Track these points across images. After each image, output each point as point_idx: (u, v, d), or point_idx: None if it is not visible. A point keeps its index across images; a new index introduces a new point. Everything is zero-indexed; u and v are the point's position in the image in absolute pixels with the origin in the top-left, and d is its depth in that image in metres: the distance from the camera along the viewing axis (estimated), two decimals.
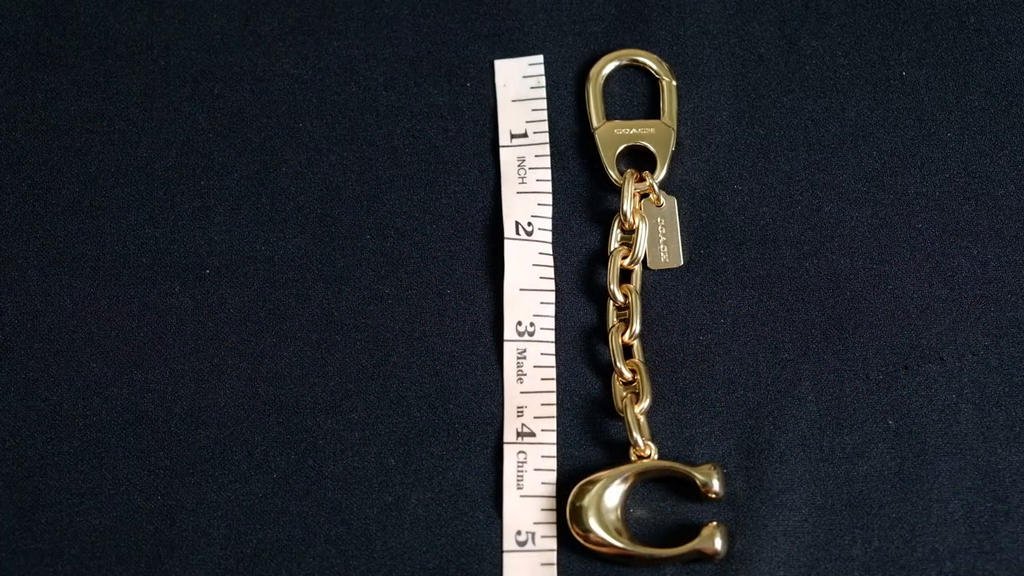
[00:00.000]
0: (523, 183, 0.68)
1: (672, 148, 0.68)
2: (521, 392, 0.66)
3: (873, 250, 0.67)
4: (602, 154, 0.68)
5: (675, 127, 0.69)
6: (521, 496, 0.65)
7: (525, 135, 0.69)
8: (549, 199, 0.68)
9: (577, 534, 0.64)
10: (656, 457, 0.65)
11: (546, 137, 0.69)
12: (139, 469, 0.66)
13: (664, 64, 0.69)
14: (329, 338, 0.67)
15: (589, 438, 0.66)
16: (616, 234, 0.68)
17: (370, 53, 0.70)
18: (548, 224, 0.68)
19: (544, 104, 0.69)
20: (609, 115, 0.69)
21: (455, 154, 0.69)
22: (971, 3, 0.69)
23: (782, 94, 0.69)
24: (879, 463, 0.65)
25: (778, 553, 0.64)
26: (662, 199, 0.68)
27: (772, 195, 0.68)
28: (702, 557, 0.64)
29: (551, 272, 0.68)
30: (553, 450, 0.66)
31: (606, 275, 0.67)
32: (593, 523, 0.64)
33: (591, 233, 0.68)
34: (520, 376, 0.67)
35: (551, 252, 0.68)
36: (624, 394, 0.66)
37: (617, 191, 0.68)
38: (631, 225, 0.67)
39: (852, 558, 0.64)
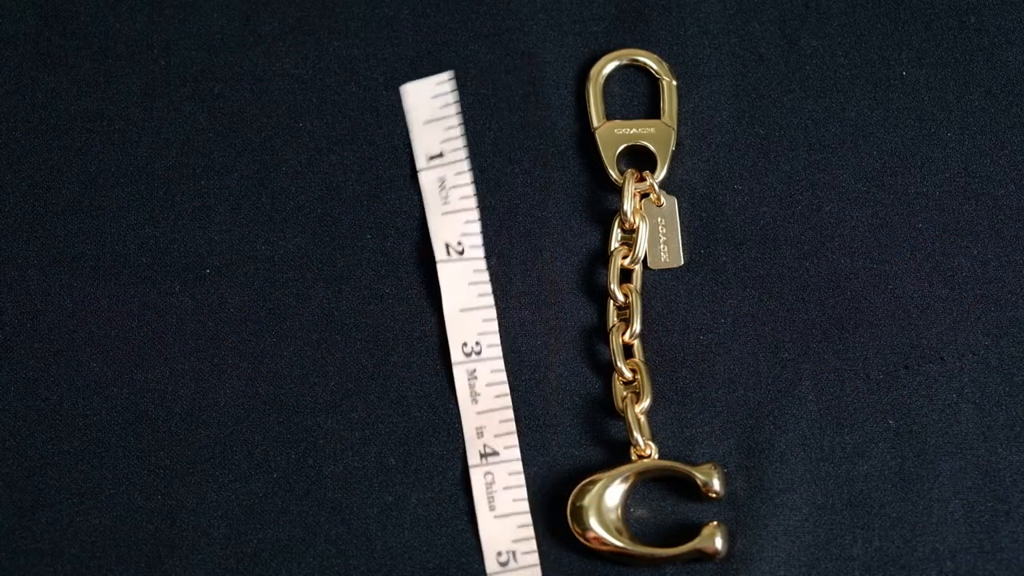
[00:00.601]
0: (446, 203, 0.68)
1: (672, 148, 0.68)
2: (477, 413, 0.66)
3: (873, 250, 0.67)
4: (602, 154, 0.68)
5: (675, 127, 0.69)
6: (495, 517, 0.65)
7: (441, 155, 0.68)
8: (476, 215, 0.68)
9: (577, 534, 0.64)
10: (656, 457, 0.65)
11: (464, 154, 0.68)
12: (139, 469, 0.66)
13: (664, 64, 0.69)
14: (329, 338, 0.67)
15: (589, 438, 0.66)
16: (616, 234, 0.68)
17: (370, 53, 0.70)
18: (478, 240, 0.68)
19: (458, 121, 0.69)
20: (609, 115, 0.69)
21: None
22: (971, 3, 0.69)
23: (782, 94, 0.69)
24: (879, 463, 0.65)
25: (778, 553, 0.64)
26: (662, 199, 0.68)
27: (772, 195, 0.68)
28: (702, 557, 0.64)
29: (489, 288, 0.67)
30: (519, 466, 0.66)
31: (606, 275, 0.67)
32: (593, 523, 0.64)
33: (591, 233, 0.68)
34: (475, 397, 0.66)
35: (486, 268, 0.68)
36: (624, 394, 0.66)
37: (617, 191, 0.68)
38: (631, 225, 0.67)
39: (852, 558, 0.64)
